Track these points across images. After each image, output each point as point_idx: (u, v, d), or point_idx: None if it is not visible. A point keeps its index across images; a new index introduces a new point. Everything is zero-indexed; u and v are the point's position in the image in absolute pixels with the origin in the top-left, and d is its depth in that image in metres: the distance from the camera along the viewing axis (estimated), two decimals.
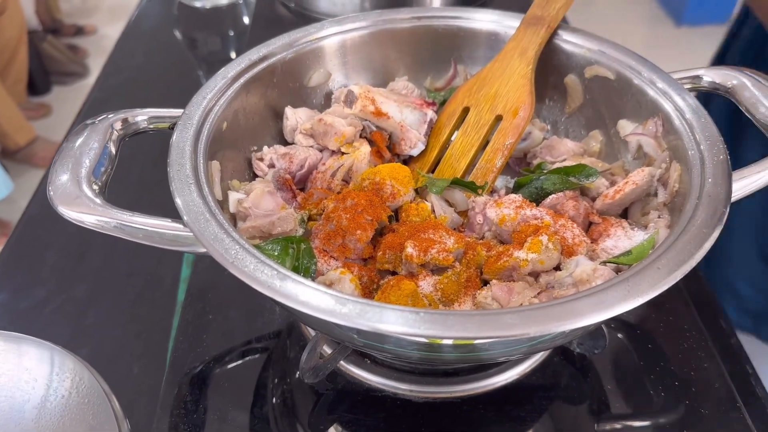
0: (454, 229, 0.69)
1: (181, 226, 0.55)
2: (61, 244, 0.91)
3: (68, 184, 0.57)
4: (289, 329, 0.78)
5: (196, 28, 1.46)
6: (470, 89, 0.77)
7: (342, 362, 0.71)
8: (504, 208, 0.65)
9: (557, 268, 0.61)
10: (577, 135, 0.80)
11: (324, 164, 0.73)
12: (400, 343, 0.51)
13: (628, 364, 0.74)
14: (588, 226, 0.67)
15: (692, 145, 0.61)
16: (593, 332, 0.68)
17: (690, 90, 0.69)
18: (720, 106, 1.11)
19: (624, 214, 0.69)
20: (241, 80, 0.71)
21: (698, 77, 0.72)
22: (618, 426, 0.69)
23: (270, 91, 0.75)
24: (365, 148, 0.73)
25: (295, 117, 0.76)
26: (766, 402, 0.70)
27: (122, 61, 1.36)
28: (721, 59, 1.29)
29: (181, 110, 0.66)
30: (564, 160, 0.74)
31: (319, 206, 0.67)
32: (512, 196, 0.67)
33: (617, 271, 0.59)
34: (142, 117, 0.67)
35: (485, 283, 0.62)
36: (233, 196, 0.65)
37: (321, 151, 0.75)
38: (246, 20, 1.44)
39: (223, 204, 0.64)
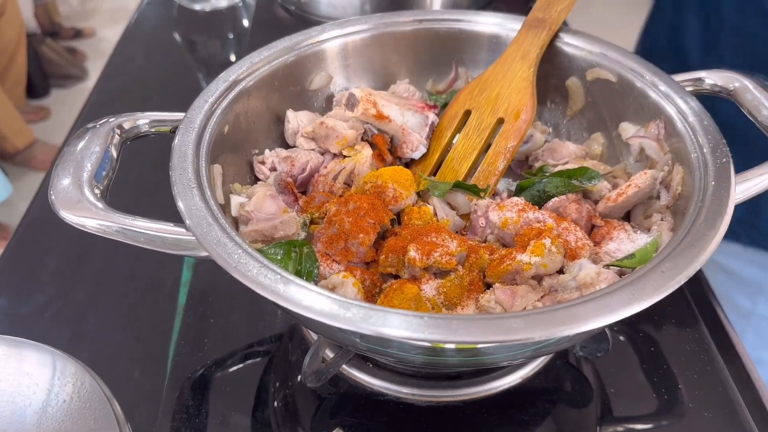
0: (457, 232, 0.69)
1: (183, 230, 0.55)
2: (62, 248, 0.91)
3: (70, 188, 0.57)
4: (291, 332, 0.78)
5: (195, 30, 1.46)
6: (472, 92, 0.77)
7: (344, 366, 0.71)
8: (506, 211, 0.65)
9: (560, 271, 0.61)
10: (578, 137, 0.80)
11: (326, 167, 0.73)
12: (403, 347, 0.51)
13: (631, 367, 0.74)
14: (591, 229, 0.67)
15: (695, 148, 0.61)
16: (596, 335, 0.67)
17: (692, 92, 0.69)
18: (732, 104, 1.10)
19: (626, 217, 0.69)
20: (243, 84, 0.71)
21: (700, 80, 0.72)
22: (621, 429, 0.69)
23: (271, 94, 0.75)
24: (367, 152, 0.72)
25: (297, 120, 0.76)
26: None
27: (122, 64, 1.35)
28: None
29: (183, 114, 0.66)
30: (566, 162, 0.74)
31: (321, 210, 0.67)
32: (514, 199, 0.67)
33: (621, 274, 0.59)
34: (143, 120, 0.66)
35: (488, 286, 0.62)
36: (235, 200, 0.65)
37: (322, 154, 0.75)
38: (245, 23, 1.44)
39: (225, 208, 0.64)
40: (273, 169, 0.72)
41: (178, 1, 1.47)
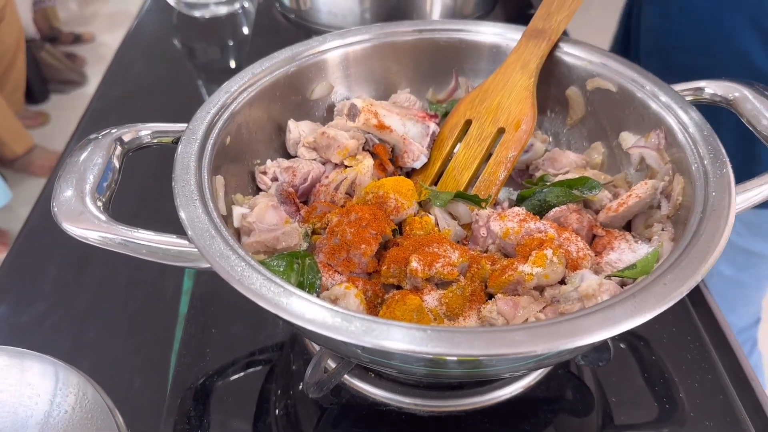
0: (458, 242, 0.69)
1: (186, 242, 0.55)
2: (62, 256, 0.91)
3: (72, 200, 0.57)
4: (292, 341, 0.78)
5: (195, 37, 1.46)
6: (472, 102, 0.77)
7: (346, 376, 0.71)
8: (508, 222, 0.65)
9: (562, 281, 0.61)
10: (579, 147, 0.80)
11: (327, 177, 0.73)
12: (406, 359, 0.51)
13: (632, 375, 0.74)
14: (592, 239, 0.67)
15: (695, 159, 0.61)
16: (598, 346, 0.67)
17: (691, 102, 0.69)
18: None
19: (627, 227, 0.69)
20: (244, 94, 0.71)
21: (700, 89, 0.72)
22: None
23: (273, 104, 0.75)
24: (368, 161, 0.73)
25: (298, 130, 0.76)
26: None
27: (121, 71, 1.36)
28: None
29: (185, 125, 0.66)
30: (566, 172, 0.75)
31: (322, 220, 0.67)
32: (516, 209, 0.67)
33: (622, 284, 0.59)
34: (145, 132, 0.67)
35: (490, 296, 0.62)
36: (237, 211, 0.65)
37: (324, 164, 0.75)
38: (245, 30, 1.45)
39: (227, 219, 0.64)
40: (275, 179, 0.72)
41: (178, 7, 1.47)
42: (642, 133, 0.71)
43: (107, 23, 4.13)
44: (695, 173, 0.60)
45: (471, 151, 0.75)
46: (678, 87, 0.71)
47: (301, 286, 0.60)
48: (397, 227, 0.68)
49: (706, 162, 0.60)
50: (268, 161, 0.74)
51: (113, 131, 0.65)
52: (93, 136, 0.65)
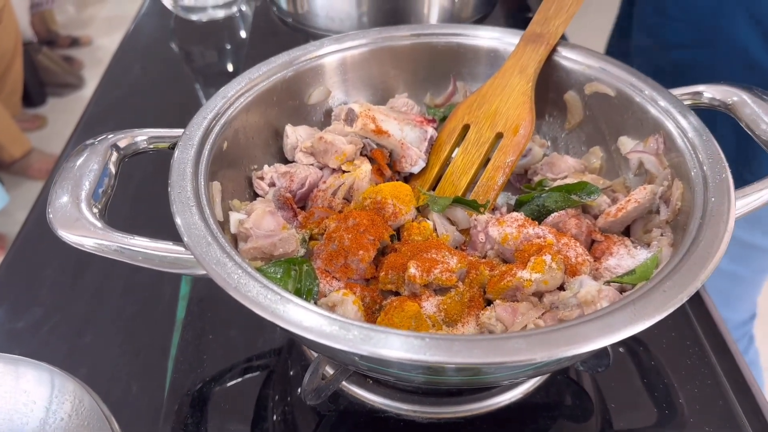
0: (456, 247, 0.69)
1: (182, 249, 0.55)
2: (59, 261, 0.90)
3: (68, 207, 0.57)
4: (290, 347, 0.77)
5: (192, 41, 1.46)
6: (470, 106, 0.77)
7: (344, 382, 0.70)
8: (506, 227, 0.65)
9: (561, 287, 0.61)
10: (577, 151, 0.80)
11: (325, 182, 0.73)
12: (404, 367, 0.51)
13: (631, 381, 0.73)
14: (590, 245, 0.67)
15: (695, 164, 0.61)
16: (597, 352, 0.67)
17: (690, 106, 0.69)
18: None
19: (626, 232, 0.69)
20: (241, 99, 0.71)
21: (698, 93, 0.72)
22: None
23: (270, 109, 0.75)
24: (366, 166, 0.72)
25: (296, 135, 0.76)
26: None
27: (119, 75, 1.35)
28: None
29: (181, 130, 0.66)
30: (565, 176, 0.74)
31: (320, 225, 0.67)
32: (514, 214, 0.67)
33: (621, 290, 0.59)
34: (141, 137, 0.66)
35: (489, 302, 0.62)
36: (234, 217, 0.65)
37: (321, 169, 0.75)
38: (243, 34, 1.44)
39: (224, 225, 0.64)
40: (272, 184, 0.72)
41: (175, 11, 1.47)
42: (641, 137, 0.71)
43: (105, 26, 4.13)
44: (694, 178, 0.60)
45: (469, 155, 0.75)
46: (676, 91, 0.71)
47: (298, 293, 0.60)
48: (395, 233, 0.68)
49: (705, 167, 0.60)
50: (266, 166, 0.74)
51: (109, 137, 0.65)
52: (89, 141, 0.64)
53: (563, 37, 0.78)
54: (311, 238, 0.68)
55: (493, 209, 0.73)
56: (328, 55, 0.79)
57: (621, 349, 0.76)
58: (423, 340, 0.45)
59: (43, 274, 0.89)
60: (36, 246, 0.94)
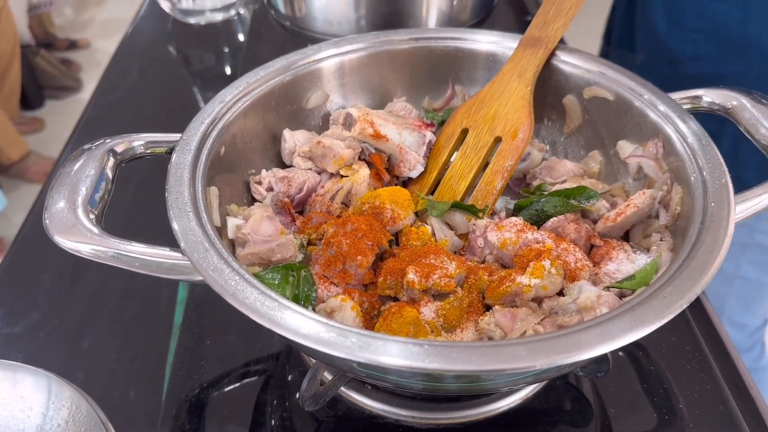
0: (455, 252, 0.68)
1: (179, 254, 0.54)
2: (57, 265, 0.90)
3: (65, 212, 0.57)
4: (288, 351, 0.77)
5: (190, 44, 1.46)
6: (469, 110, 0.77)
7: (342, 388, 0.70)
8: (505, 232, 0.64)
9: (560, 293, 0.60)
10: (576, 155, 0.80)
11: (323, 187, 0.73)
12: (402, 374, 0.50)
13: (631, 386, 0.73)
14: (590, 249, 0.66)
15: (694, 169, 0.61)
16: (597, 357, 0.67)
17: (689, 111, 0.69)
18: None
19: (625, 237, 0.68)
20: (239, 104, 0.70)
21: (698, 98, 0.72)
22: None
23: (268, 114, 0.75)
24: (364, 171, 0.72)
25: (293, 140, 0.75)
26: None
27: (117, 78, 1.35)
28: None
29: (179, 135, 0.65)
30: (564, 181, 0.74)
31: (318, 230, 0.67)
32: (513, 219, 0.66)
33: (621, 296, 0.59)
34: (138, 142, 0.66)
35: (488, 308, 0.62)
36: (232, 222, 0.65)
37: (320, 173, 0.74)
38: (241, 37, 1.44)
39: (221, 230, 0.64)
40: (270, 189, 0.71)
41: (173, 14, 1.46)
42: (640, 142, 0.71)
43: (103, 29, 4.12)
44: (694, 183, 0.60)
45: (468, 160, 0.74)
46: (676, 95, 0.71)
47: (296, 299, 0.59)
48: (393, 238, 0.67)
49: (704, 172, 0.60)
50: (263, 171, 0.73)
51: (106, 141, 0.64)
52: (86, 146, 0.64)
53: (562, 41, 0.78)
54: (309, 243, 0.67)
55: (492, 214, 0.73)
56: (326, 60, 0.79)
57: (621, 354, 0.76)
58: (421, 347, 0.45)
59: (41, 279, 0.89)
60: (33, 250, 0.94)
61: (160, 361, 0.77)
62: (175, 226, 0.55)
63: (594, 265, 0.63)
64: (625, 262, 0.62)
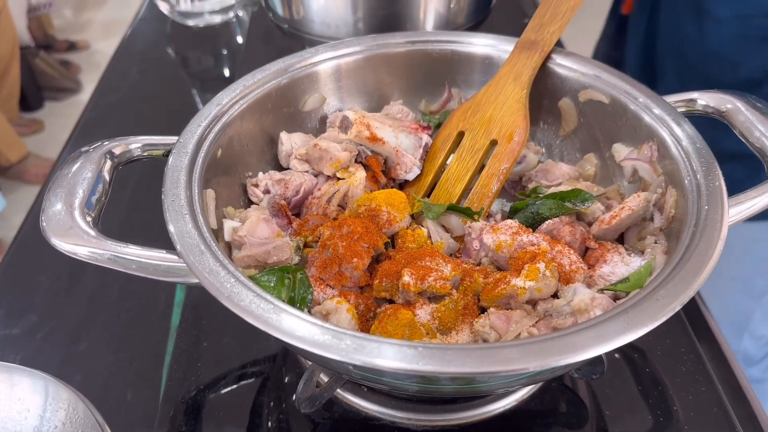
0: (451, 255, 0.69)
1: (176, 257, 0.55)
2: (55, 267, 0.90)
3: (62, 215, 0.57)
4: (284, 353, 0.77)
5: (189, 46, 1.46)
6: (465, 113, 0.77)
7: (338, 390, 0.70)
8: (500, 234, 0.65)
9: (555, 295, 0.61)
10: (571, 158, 0.80)
11: (319, 189, 0.73)
12: (397, 376, 0.51)
13: (627, 388, 0.73)
14: (584, 252, 0.67)
15: (688, 172, 0.61)
16: (592, 359, 0.67)
17: (684, 114, 0.69)
18: None
19: (620, 239, 0.69)
20: (236, 107, 0.71)
21: (692, 101, 0.72)
22: None
23: (265, 116, 0.75)
24: (361, 173, 0.72)
25: (290, 142, 0.75)
26: (765, 427, 0.70)
27: (116, 79, 1.36)
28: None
29: (175, 137, 0.66)
30: (559, 183, 0.74)
31: (314, 233, 0.67)
32: (508, 221, 0.67)
33: (615, 298, 0.59)
34: (135, 145, 0.66)
35: (483, 310, 0.62)
36: (228, 225, 0.65)
37: (316, 176, 0.75)
38: (239, 39, 1.45)
39: (218, 233, 0.64)
40: (266, 191, 0.72)
41: (172, 16, 1.47)
42: (635, 145, 0.71)
43: (102, 31, 4.13)
44: (688, 186, 0.60)
45: (464, 162, 0.75)
46: (670, 98, 0.71)
47: (292, 301, 0.59)
48: (389, 240, 0.68)
49: (699, 175, 0.60)
50: (260, 173, 0.74)
51: (104, 144, 0.65)
52: (84, 149, 0.64)
53: (558, 44, 0.79)
54: (305, 245, 0.68)
55: (488, 216, 0.73)
56: (323, 62, 0.79)
57: (616, 356, 0.76)
58: (416, 349, 0.45)
59: (39, 280, 0.89)
60: (31, 252, 0.94)
61: (157, 363, 0.77)
62: (171, 228, 0.55)
63: (589, 268, 0.64)
64: (619, 265, 0.63)
